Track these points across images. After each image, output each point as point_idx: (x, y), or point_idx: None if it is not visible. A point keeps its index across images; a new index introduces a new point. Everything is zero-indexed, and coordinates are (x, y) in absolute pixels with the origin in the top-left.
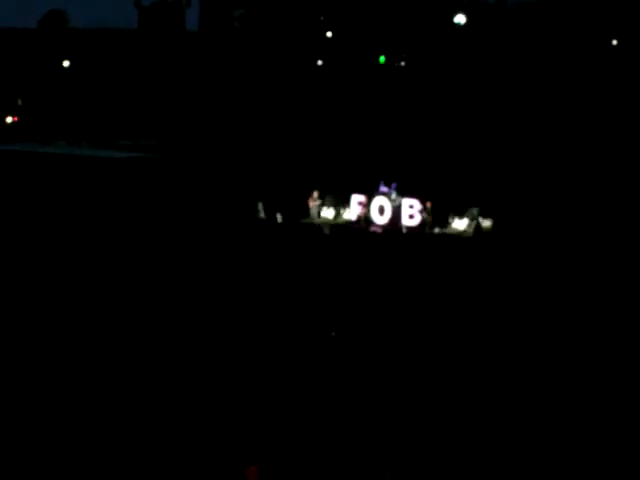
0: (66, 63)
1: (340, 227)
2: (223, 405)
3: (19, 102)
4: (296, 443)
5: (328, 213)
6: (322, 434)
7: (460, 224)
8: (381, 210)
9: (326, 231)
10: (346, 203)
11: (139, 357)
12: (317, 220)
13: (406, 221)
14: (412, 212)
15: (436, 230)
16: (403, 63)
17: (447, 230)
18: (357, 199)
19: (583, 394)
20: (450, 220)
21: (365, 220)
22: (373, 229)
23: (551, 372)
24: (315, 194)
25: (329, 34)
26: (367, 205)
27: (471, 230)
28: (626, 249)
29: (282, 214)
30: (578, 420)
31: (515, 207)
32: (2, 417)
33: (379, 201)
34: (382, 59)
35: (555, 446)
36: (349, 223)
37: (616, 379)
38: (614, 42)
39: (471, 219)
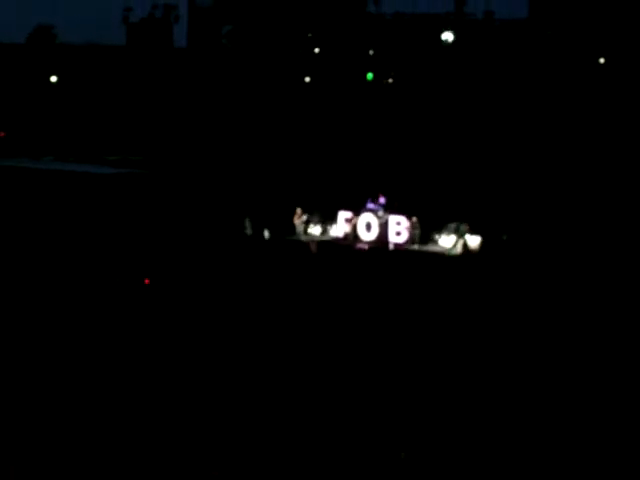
0: (54, 78)
1: (327, 244)
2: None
3: (6, 117)
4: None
5: (315, 230)
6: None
7: (446, 241)
8: (368, 227)
9: (313, 248)
10: (333, 220)
11: (126, 376)
12: (304, 237)
13: (393, 238)
14: (399, 229)
15: (428, 247)
16: (391, 80)
17: (434, 247)
18: (344, 216)
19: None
20: (437, 237)
21: (352, 237)
22: (360, 246)
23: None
24: (299, 211)
25: (317, 50)
26: (354, 222)
27: (458, 248)
28: (622, 267)
29: (269, 231)
30: (577, 423)
31: (504, 224)
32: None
33: (366, 218)
34: (370, 76)
35: (555, 446)
36: (336, 240)
37: (615, 390)
38: (601, 60)
39: (458, 236)
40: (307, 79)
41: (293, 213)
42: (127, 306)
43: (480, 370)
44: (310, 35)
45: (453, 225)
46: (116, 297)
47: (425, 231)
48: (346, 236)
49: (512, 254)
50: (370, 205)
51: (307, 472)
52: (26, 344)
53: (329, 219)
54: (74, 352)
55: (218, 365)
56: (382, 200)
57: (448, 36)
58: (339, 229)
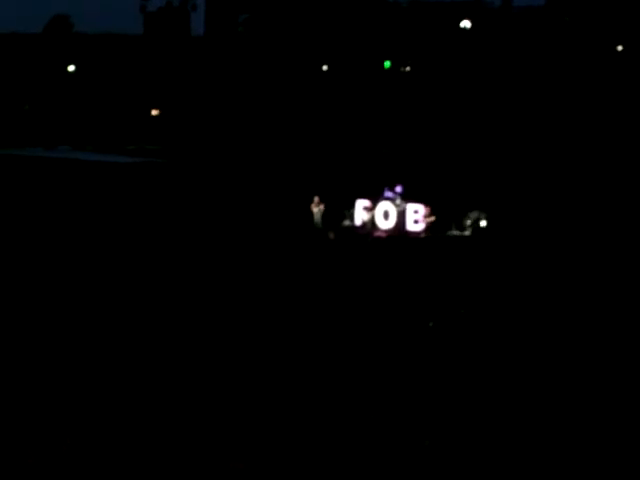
0: (71, 68)
1: (345, 232)
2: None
3: (26, 107)
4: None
5: (333, 218)
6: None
7: (465, 233)
8: (386, 215)
9: (331, 236)
10: (351, 208)
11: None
12: (321, 225)
13: (411, 226)
14: (417, 217)
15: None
16: (408, 68)
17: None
18: (362, 204)
19: (583, 394)
20: (453, 230)
21: (370, 225)
22: (377, 234)
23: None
24: (317, 199)
25: (334, 39)
26: (372, 210)
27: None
28: (625, 254)
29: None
30: (578, 421)
31: (523, 215)
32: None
33: (384, 206)
34: (387, 64)
35: (555, 446)
36: (354, 228)
37: (616, 379)
38: (619, 48)
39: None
40: (324, 67)
41: (310, 201)
42: (143, 294)
43: (492, 357)
44: (327, 23)
45: (473, 214)
46: (128, 288)
47: (444, 220)
48: (364, 224)
49: (529, 246)
50: (388, 193)
51: (331, 461)
52: (31, 336)
53: (347, 207)
54: (99, 340)
55: (230, 353)
56: (399, 188)
57: (466, 24)
58: (357, 217)
